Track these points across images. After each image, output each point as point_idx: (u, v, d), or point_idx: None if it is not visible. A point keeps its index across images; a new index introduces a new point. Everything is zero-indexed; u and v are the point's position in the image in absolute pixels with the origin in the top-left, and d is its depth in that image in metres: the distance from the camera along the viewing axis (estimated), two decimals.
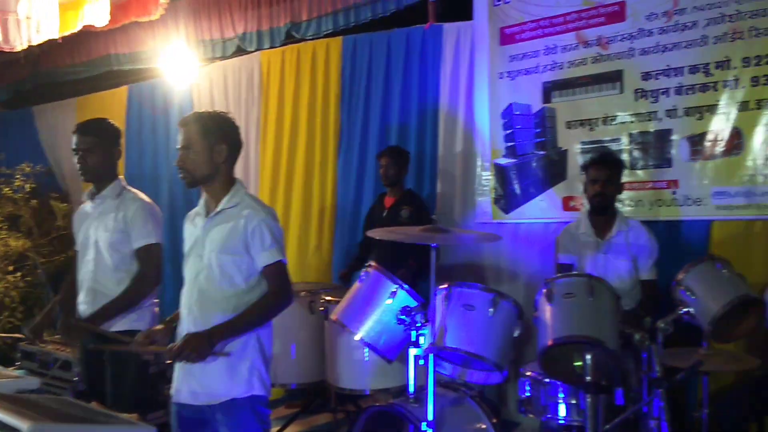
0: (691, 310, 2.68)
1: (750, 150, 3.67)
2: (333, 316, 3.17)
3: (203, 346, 2.21)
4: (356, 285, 3.16)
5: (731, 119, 3.71)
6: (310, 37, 5.33)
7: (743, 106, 3.67)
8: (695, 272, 2.75)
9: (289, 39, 5.46)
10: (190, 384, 2.35)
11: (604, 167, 3.49)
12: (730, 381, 3.53)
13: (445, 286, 2.81)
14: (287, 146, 5.44)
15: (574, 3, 4.19)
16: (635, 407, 2.51)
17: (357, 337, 3.03)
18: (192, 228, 2.49)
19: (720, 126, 3.74)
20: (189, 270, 2.43)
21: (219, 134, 2.38)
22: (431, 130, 4.83)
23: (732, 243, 3.73)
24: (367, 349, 3.43)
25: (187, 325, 2.36)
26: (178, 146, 2.39)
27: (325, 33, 5.25)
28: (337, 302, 3.26)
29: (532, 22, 4.37)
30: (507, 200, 4.54)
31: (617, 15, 4.04)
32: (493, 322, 2.67)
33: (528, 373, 2.98)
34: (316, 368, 4.01)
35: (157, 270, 3.08)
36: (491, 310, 2.69)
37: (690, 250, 3.76)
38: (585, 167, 3.63)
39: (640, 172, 4.04)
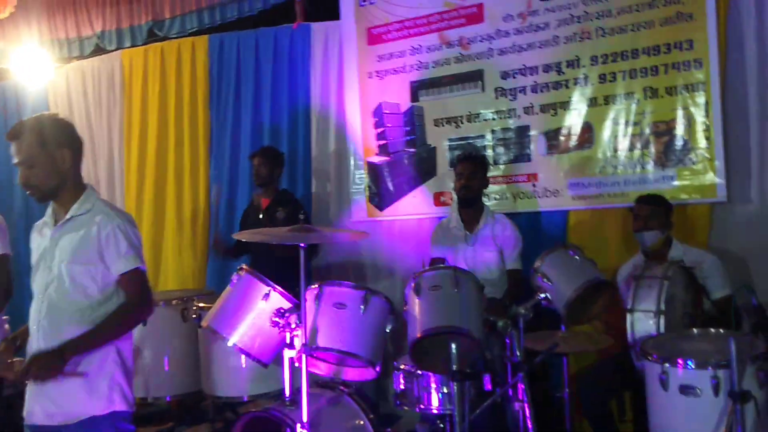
0: (548, 295, 2.84)
1: (600, 143, 3.93)
2: (204, 323, 3.07)
3: (53, 363, 2.07)
4: (227, 289, 3.08)
5: (582, 115, 3.96)
6: (175, 36, 5.17)
7: (592, 102, 3.93)
8: (550, 259, 2.91)
9: (152, 38, 5.26)
10: (44, 404, 2.20)
11: (469, 163, 3.66)
12: (592, 360, 3.76)
13: (316, 285, 2.80)
14: (155, 149, 5.23)
15: (436, 4, 4.33)
16: (500, 392, 2.62)
17: (230, 343, 2.95)
18: (39, 239, 2.33)
19: (572, 121, 3.99)
20: (37, 283, 2.27)
21: (58, 140, 2.23)
22: (304, 129, 4.81)
23: (587, 231, 4.00)
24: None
25: (36, 342, 2.21)
26: (16, 162, 2.21)
27: (190, 31, 5.11)
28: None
29: (398, 22, 4.46)
30: (381, 198, 4.61)
31: (476, 16, 4.21)
32: (364, 319, 2.69)
33: (402, 367, 3.03)
34: (191, 378, 3.88)
35: (6, 283, 2.86)
36: (362, 307, 2.70)
37: (550, 239, 3.97)
38: (453, 164, 3.79)
39: (503, 167, 4.23)
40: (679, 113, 3.71)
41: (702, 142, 3.64)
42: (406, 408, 3.10)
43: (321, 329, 2.67)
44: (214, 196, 4.77)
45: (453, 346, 2.49)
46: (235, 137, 4.95)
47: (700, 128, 3.64)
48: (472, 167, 3.65)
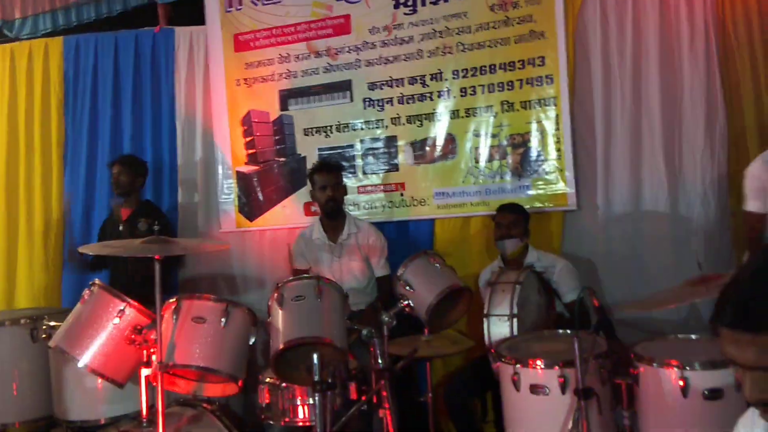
0: (411, 302, 2.89)
1: (463, 154, 4.08)
2: (52, 343, 2.87)
3: None
4: (78, 306, 2.90)
5: (446, 126, 4.09)
6: (26, 37, 4.82)
7: (455, 114, 4.07)
8: (412, 267, 2.97)
9: (1, 38, 4.88)
10: None
11: (330, 172, 3.68)
12: (457, 363, 3.88)
13: (174, 299, 2.70)
14: (4, 156, 4.82)
15: (303, 13, 4.33)
16: (363, 401, 2.63)
17: (81, 364, 2.78)
18: None
19: (437, 132, 4.11)
20: None
21: None
22: (168, 137, 4.64)
23: (452, 238, 4.13)
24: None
25: None
26: None
27: (43, 32, 4.79)
28: None
29: (265, 30, 4.42)
30: (251, 207, 4.53)
31: (343, 27, 4.25)
32: (225, 332, 2.62)
33: (267, 380, 2.98)
34: (42, 402, 3.60)
35: None
36: (223, 320, 2.63)
37: (418, 247, 4.05)
38: (310, 175, 3.76)
39: (372, 176, 4.29)
40: (534, 126, 3.92)
41: (554, 154, 3.87)
42: (272, 422, 3.05)
43: (179, 345, 2.57)
44: (65, 205, 4.45)
45: (315, 356, 2.48)
46: (92, 144, 4.67)
47: (551, 141, 3.87)
48: (335, 177, 3.68)
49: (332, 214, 3.70)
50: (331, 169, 3.74)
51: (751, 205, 3.10)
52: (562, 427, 2.45)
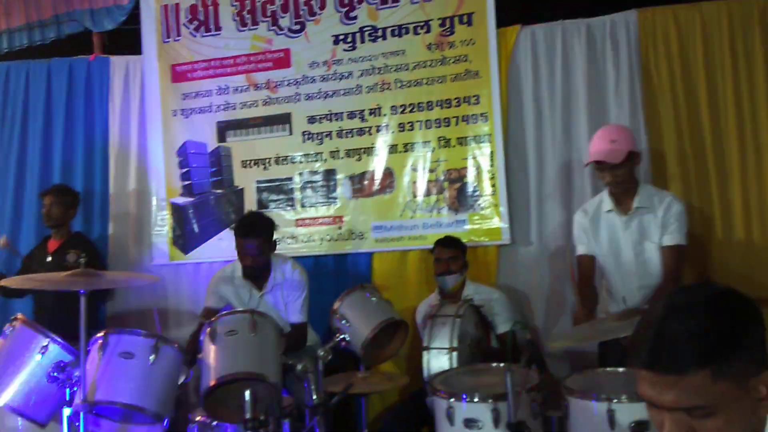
0: (347, 336, 2.88)
1: (401, 188, 4.12)
2: None
3: None
4: None
5: (384, 160, 4.14)
6: None
7: (393, 149, 4.12)
8: (348, 301, 2.97)
9: None
10: None
11: (255, 237, 3.42)
12: (395, 399, 3.86)
13: (102, 334, 2.61)
14: None
15: (242, 46, 4.33)
16: None
17: (0, 403, 2.65)
18: None
19: (375, 166, 4.15)
20: None
21: None
22: (101, 167, 4.52)
23: (390, 272, 4.14)
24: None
25: None
26: None
27: None
28: None
29: (204, 61, 4.40)
30: (185, 240, 4.44)
31: (283, 61, 4.27)
32: (153, 369, 2.54)
33: (197, 419, 2.89)
34: None
35: None
36: (152, 356, 2.56)
37: (356, 281, 4.03)
38: (234, 232, 3.52)
39: (311, 209, 4.28)
40: (470, 162, 4.01)
41: (489, 189, 3.96)
42: None
43: (103, 382, 2.49)
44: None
45: (247, 393, 2.43)
46: (20, 173, 4.51)
47: (486, 176, 3.96)
48: (259, 242, 3.40)
49: (253, 277, 3.51)
50: (252, 235, 3.41)
51: (579, 249, 3.29)
52: None
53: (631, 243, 3.16)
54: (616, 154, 3.07)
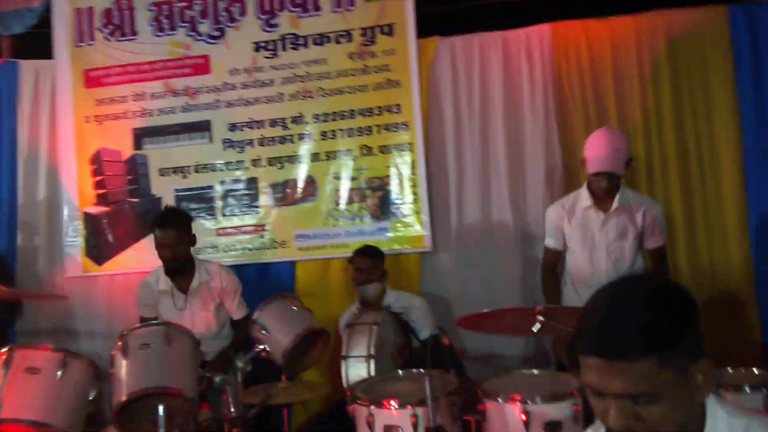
0: (267, 346, 2.84)
1: (323, 196, 4.12)
2: None
3: None
4: None
5: (306, 169, 4.12)
6: None
7: (315, 157, 4.12)
8: (268, 310, 2.93)
9: None
10: None
11: (170, 229, 3.39)
12: (319, 408, 3.83)
13: (6, 349, 2.47)
14: None
15: (160, 52, 4.23)
16: None
17: None
18: None
19: (298, 175, 4.13)
20: None
21: None
22: (8, 176, 4.30)
23: (313, 280, 4.13)
24: None
25: None
26: None
27: None
28: None
29: (119, 66, 4.27)
30: (100, 251, 4.28)
31: (202, 67, 4.19)
32: (61, 384, 2.42)
33: None
34: None
35: None
36: (60, 371, 2.45)
37: (279, 290, 3.98)
38: (152, 227, 3.50)
39: (233, 218, 4.21)
40: (392, 170, 4.04)
41: (410, 197, 4.00)
42: None
43: (8, 398, 2.35)
44: None
45: (161, 407, 2.35)
46: None
47: (408, 184, 4.01)
48: (175, 234, 3.39)
49: (173, 272, 3.47)
50: (170, 225, 3.40)
51: (548, 241, 3.41)
52: None
53: (605, 241, 3.25)
54: (619, 164, 3.14)
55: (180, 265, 3.46)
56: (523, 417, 2.43)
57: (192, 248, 3.54)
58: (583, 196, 3.30)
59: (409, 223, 4.02)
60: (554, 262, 3.40)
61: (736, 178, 3.60)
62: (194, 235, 3.54)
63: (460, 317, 2.67)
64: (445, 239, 4.04)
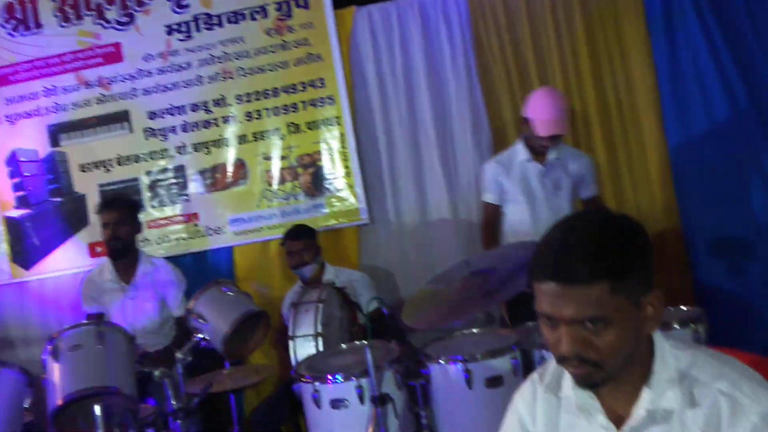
0: (206, 335, 2.79)
1: (255, 178, 4.04)
2: None
3: None
4: None
5: (234, 152, 4.03)
6: None
7: (242, 140, 4.03)
8: (203, 299, 2.87)
9: None
10: None
11: (112, 210, 3.45)
12: (269, 391, 3.81)
13: None
14: None
15: (68, 43, 4.05)
16: None
17: None
18: None
19: (226, 158, 4.04)
20: None
21: None
22: None
23: (252, 264, 4.07)
24: None
25: None
26: None
27: None
28: None
29: (26, 62, 4.07)
30: (26, 255, 4.12)
31: (114, 56, 4.04)
32: None
33: None
34: None
35: None
36: None
37: (218, 277, 3.93)
38: (98, 212, 3.55)
39: (165, 209, 4.11)
40: (322, 146, 4.00)
41: (342, 171, 3.97)
42: None
43: None
44: None
45: (97, 407, 2.29)
46: None
47: (339, 159, 3.97)
48: (117, 215, 3.43)
49: (115, 254, 3.46)
50: (113, 205, 3.49)
51: (487, 196, 3.46)
52: None
53: (544, 192, 3.34)
54: (567, 124, 3.28)
55: (122, 248, 3.44)
56: (466, 375, 2.48)
57: (137, 237, 3.56)
58: (520, 151, 3.37)
59: (344, 197, 3.99)
60: (494, 217, 3.46)
61: (655, 125, 3.69)
62: (140, 223, 3.57)
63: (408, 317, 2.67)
64: (381, 211, 4.03)
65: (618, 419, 1.25)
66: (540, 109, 3.25)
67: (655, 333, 1.26)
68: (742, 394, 1.16)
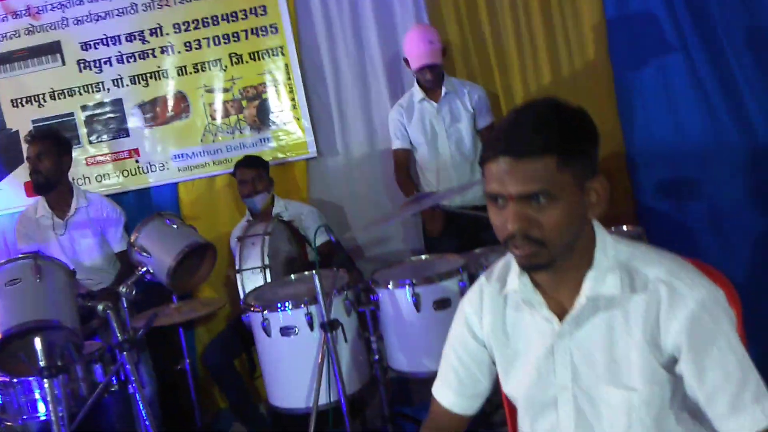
0: (150, 268, 2.73)
1: (197, 112, 3.91)
2: None
3: None
4: None
5: (174, 84, 3.89)
6: None
7: (182, 71, 3.88)
8: (146, 231, 2.80)
9: None
10: None
11: (33, 143, 3.32)
12: (222, 325, 3.79)
13: None
14: None
15: None
16: (106, 379, 2.46)
17: None
18: None
19: (166, 91, 3.89)
20: None
21: None
22: None
23: (198, 201, 3.98)
24: None
25: None
26: None
27: None
28: None
29: None
30: None
31: None
32: None
33: None
34: None
35: None
36: None
37: None
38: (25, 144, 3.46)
39: (101, 145, 3.96)
40: (266, 77, 3.87)
41: (288, 104, 3.87)
42: (9, 423, 2.72)
43: None
44: None
45: (38, 341, 2.24)
46: None
47: (284, 91, 3.87)
48: (38, 148, 3.29)
49: (38, 189, 3.35)
50: (34, 139, 3.34)
51: (396, 143, 3.61)
52: (316, 362, 2.51)
53: (443, 126, 3.50)
54: (437, 54, 3.40)
55: (45, 183, 3.32)
56: (414, 299, 2.50)
57: (64, 171, 3.41)
58: (415, 92, 3.55)
59: (291, 130, 3.91)
60: (406, 162, 3.60)
61: (601, 52, 3.67)
62: (67, 157, 3.41)
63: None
64: (329, 143, 3.97)
65: (562, 312, 1.27)
66: (410, 46, 3.44)
67: (597, 226, 1.28)
68: (680, 281, 1.19)
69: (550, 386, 1.30)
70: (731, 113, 3.47)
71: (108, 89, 3.89)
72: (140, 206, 3.92)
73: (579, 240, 1.23)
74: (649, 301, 1.20)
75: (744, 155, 3.47)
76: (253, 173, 3.53)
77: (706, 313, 1.17)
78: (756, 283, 3.36)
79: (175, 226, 2.85)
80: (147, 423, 2.40)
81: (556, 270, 1.24)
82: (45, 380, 2.18)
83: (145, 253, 2.75)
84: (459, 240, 3.27)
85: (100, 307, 2.49)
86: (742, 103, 3.45)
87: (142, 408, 2.40)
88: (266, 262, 3.06)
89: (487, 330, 1.39)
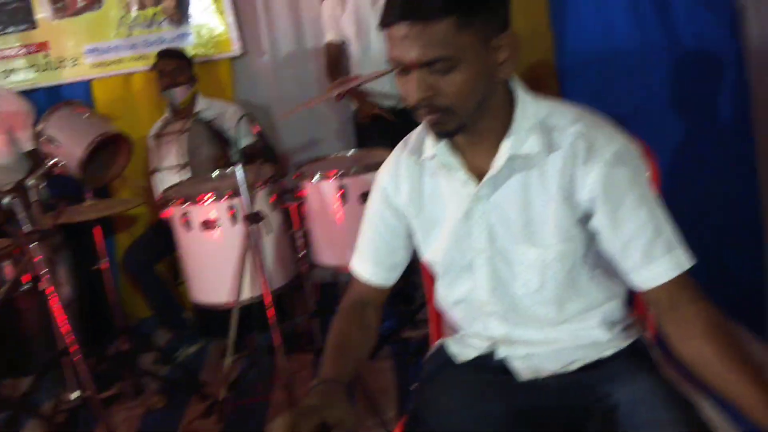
0: (59, 159, 2.56)
1: (111, 3, 3.63)
2: None
3: None
4: None
5: None
6: None
7: None
8: (54, 120, 2.60)
9: None
10: None
11: None
12: (143, 228, 3.66)
13: None
14: None
15: None
16: (16, 273, 2.34)
17: None
18: None
19: None
20: None
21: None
22: None
23: (114, 99, 3.75)
24: None
25: None
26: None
27: None
28: None
29: None
30: None
31: None
32: None
33: None
34: None
35: None
36: None
37: None
38: None
39: (7, 38, 3.65)
40: None
41: None
42: None
43: None
44: None
45: None
46: None
47: None
48: None
49: None
50: None
51: (328, 36, 3.37)
52: (239, 255, 2.45)
53: (375, 15, 3.21)
54: None
55: None
56: (340, 191, 2.45)
57: None
58: None
59: (213, 26, 3.68)
60: (338, 53, 3.37)
61: None
62: None
63: None
64: (255, 42, 3.77)
65: (481, 176, 1.24)
66: None
67: (517, 85, 1.23)
68: (598, 133, 1.18)
69: (467, 250, 1.29)
70: (658, 16, 3.45)
71: None
72: (51, 104, 3.64)
73: (491, 101, 1.18)
74: (565, 157, 1.18)
75: (671, 62, 3.49)
76: (174, 64, 3.33)
77: (621, 164, 1.16)
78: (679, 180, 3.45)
79: (85, 116, 2.67)
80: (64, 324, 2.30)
81: (472, 133, 1.20)
82: None
83: (53, 144, 2.57)
84: (391, 141, 3.20)
85: (5, 201, 2.33)
86: (668, 3, 3.44)
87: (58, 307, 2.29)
88: (184, 160, 2.94)
89: (404, 199, 1.36)
